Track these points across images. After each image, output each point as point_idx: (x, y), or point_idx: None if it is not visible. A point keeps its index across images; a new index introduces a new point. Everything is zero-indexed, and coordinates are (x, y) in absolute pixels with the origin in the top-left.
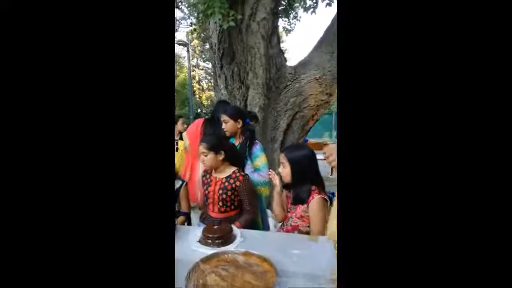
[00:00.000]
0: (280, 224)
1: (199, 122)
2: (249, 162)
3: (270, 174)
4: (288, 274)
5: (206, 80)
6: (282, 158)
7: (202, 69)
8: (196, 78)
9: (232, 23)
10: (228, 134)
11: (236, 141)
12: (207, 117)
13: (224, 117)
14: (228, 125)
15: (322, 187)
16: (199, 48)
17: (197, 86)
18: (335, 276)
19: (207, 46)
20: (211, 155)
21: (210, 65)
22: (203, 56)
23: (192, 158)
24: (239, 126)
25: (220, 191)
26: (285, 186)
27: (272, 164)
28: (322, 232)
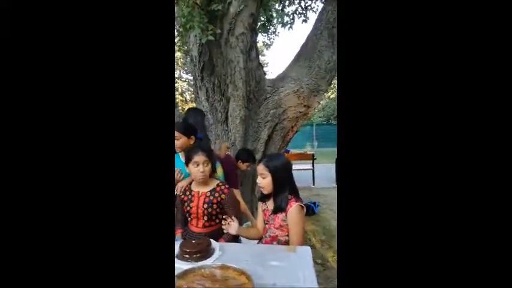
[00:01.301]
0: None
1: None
2: None
3: (226, 220)
4: (266, 286)
5: (189, 92)
6: (262, 169)
7: (185, 81)
8: (179, 90)
9: (211, 37)
10: (178, 150)
11: None
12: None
13: (176, 134)
14: (180, 141)
15: (298, 195)
16: (181, 60)
17: (180, 97)
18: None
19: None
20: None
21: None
22: (185, 68)
23: None
24: (192, 142)
25: (205, 205)
26: (261, 198)
27: (253, 175)
28: (301, 240)
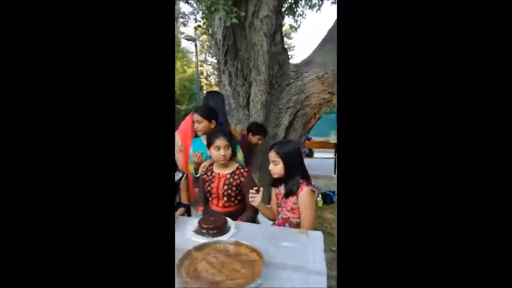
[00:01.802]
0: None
1: (189, 117)
2: None
3: (252, 194)
4: (276, 265)
5: (214, 76)
6: (274, 156)
7: (210, 64)
8: (204, 73)
9: (235, 20)
10: (200, 133)
11: None
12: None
13: (197, 117)
14: (201, 125)
15: (309, 180)
16: (207, 43)
17: (205, 81)
18: (324, 269)
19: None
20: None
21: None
22: (211, 51)
23: (186, 157)
24: (212, 126)
25: (226, 187)
26: (273, 183)
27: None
28: (312, 223)
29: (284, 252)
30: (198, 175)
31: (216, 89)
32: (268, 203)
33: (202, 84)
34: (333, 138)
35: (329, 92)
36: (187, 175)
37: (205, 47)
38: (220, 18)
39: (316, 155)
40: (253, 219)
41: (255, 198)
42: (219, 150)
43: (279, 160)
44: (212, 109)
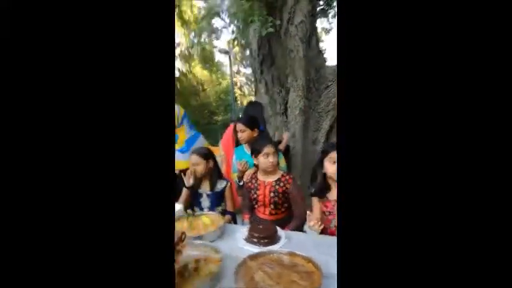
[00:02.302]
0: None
1: (230, 129)
2: None
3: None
4: (334, 276)
5: (247, 86)
6: (336, 156)
7: (243, 75)
8: (238, 84)
9: (271, 29)
10: (243, 142)
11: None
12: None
13: (240, 127)
14: (244, 134)
15: None
16: (239, 55)
17: (239, 92)
18: None
19: (248, 53)
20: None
21: (250, 71)
22: (244, 62)
23: (228, 166)
24: (255, 134)
25: (272, 194)
26: (321, 191)
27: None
28: None
29: None
30: (242, 183)
31: (250, 98)
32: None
33: (237, 94)
34: None
35: None
36: (231, 183)
37: (238, 59)
38: (254, 29)
39: None
40: (301, 228)
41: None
42: (268, 157)
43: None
44: (254, 118)
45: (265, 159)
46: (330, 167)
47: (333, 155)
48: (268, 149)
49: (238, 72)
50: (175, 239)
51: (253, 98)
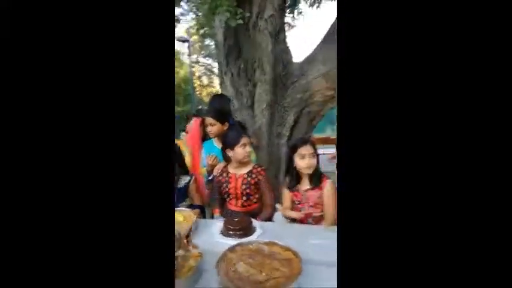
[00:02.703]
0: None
1: (196, 123)
2: None
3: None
4: (311, 262)
5: (206, 76)
6: (309, 149)
7: (202, 65)
8: (197, 74)
9: (240, 21)
10: (212, 136)
11: (220, 144)
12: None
13: (210, 120)
14: (214, 127)
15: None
16: (199, 44)
17: (198, 82)
18: None
19: (207, 42)
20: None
21: (210, 61)
22: (203, 52)
23: (195, 160)
24: (225, 128)
25: (244, 186)
26: (292, 183)
27: (278, 160)
28: (335, 215)
29: (315, 249)
30: (212, 177)
31: (210, 89)
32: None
33: (196, 84)
34: (330, 135)
35: (333, 89)
36: (195, 178)
37: (197, 48)
38: (220, 20)
39: (318, 151)
40: (271, 218)
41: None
42: (245, 147)
43: (314, 152)
44: (224, 111)
45: (243, 149)
46: (299, 162)
47: (302, 151)
48: (245, 139)
49: (197, 61)
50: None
51: (213, 89)
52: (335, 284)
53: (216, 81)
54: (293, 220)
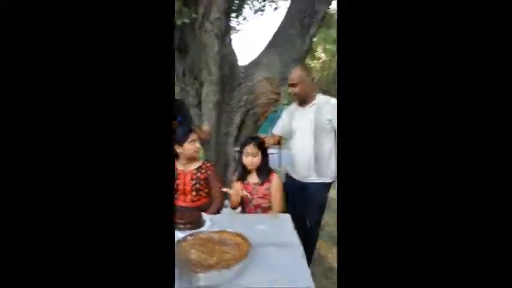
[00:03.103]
0: (240, 208)
1: None
2: None
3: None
4: (258, 245)
5: None
6: (253, 148)
7: None
8: None
9: (186, 20)
10: None
11: None
12: None
13: None
14: None
15: (271, 168)
16: None
17: None
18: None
19: None
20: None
21: None
22: None
23: None
24: (173, 126)
25: (193, 181)
26: (241, 176)
27: (226, 158)
28: (282, 204)
29: (262, 233)
30: None
31: None
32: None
33: None
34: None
35: (276, 93)
36: None
37: None
38: None
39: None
40: (219, 211)
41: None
42: (194, 143)
43: (257, 152)
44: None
45: (192, 145)
46: (244, 159)
47: (246, 149)
48: (194, 135)
49: None
50: None
51: None
52: (284, 262)
53: None
54: (242, 211)
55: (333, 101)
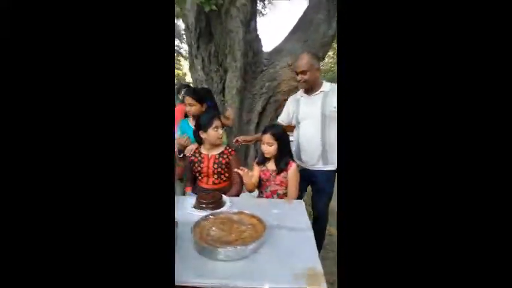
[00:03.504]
0: (258, 192)
1: (178, 110)
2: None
3: (242, 170)
4: (272, 227)
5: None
6: (269, 138)
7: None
8: None
9: (214, 7)
10: (190, 115)
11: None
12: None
13: (190, 100)
14: (194, 108)
15: (292, 157)
16: None
17: None
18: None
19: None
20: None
21: (177, 42)
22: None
23: None
24: (203, 109)
25: (215, 166)
26: (261, 162)
27: (246, 144)
28: (297, 193)
29: (276, 217)
30: (182, 155)
31: (177, 71)
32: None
33: None
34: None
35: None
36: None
37: None
38: (192, 2)
39: None
40: (239, 194)
41: (248, 173)
42: (218, 130)
43: (273, 142)
44: (204, 92)
45: (216, 131)
46: (262, 147)
47: (263, 138)
48: (218, 122)
49: None
50: None
51: (179, 72)
52: (295, 245)
53: (182, 62)
54: (259, 196)
55: None
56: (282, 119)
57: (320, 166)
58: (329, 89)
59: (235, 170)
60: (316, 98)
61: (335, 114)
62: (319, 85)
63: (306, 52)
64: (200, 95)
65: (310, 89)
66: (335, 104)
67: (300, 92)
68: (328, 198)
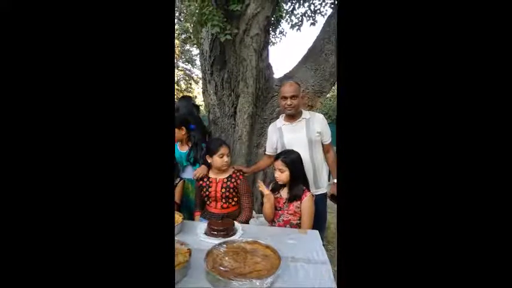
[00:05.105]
0: (271, 221)
1: None
2: (190, 167)
3: (259, 184)
4: (287, 259)
5: (184, 81)
6: (280, 164)
7: (181, 70)
8: (175, 79)
9: (229, 37)
10: (176, 141)
11: (183, 148)
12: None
13: None
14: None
15: (308, 186)
16: (179, 48)
17: (176, 86)
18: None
19: (187, 47)
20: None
21: (189, 67)
22: (182, 56)
23: None
24: (183, 133)
25: (223, 190)
26: (275, 188)
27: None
28: (312, 223)
29: (291, 248)
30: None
31: (187, 94)
32: (259, 207)
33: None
34: None
35: (308, 105)
36: (184, 181)
37: (177, 52)
38: (207, 30)
39: None
40: (249, 220)
41: (263, 188)
42: (223, 157)
43: (285, 168)
44: (179, 116)
45: (221, 158)
46: (276, 174)
47: (277, 165)
48: (223, 149)
49: (176, 66)
50: None
51: (190, 94)
52: (312, 279)
53: (194, 86)
54: (271, 225)
55: (319, 115)
56: (268, 151)
57: (313, 191)
58: (309, 117)
59: (258, 184)
60: (299, 125)
61: (319, 139)
62: (300, 113)
63: (292, 81)
64: (176, 121)
65: (292, 116)
66: (318, 129)
67: (280, 121)
68: (323, 220)
